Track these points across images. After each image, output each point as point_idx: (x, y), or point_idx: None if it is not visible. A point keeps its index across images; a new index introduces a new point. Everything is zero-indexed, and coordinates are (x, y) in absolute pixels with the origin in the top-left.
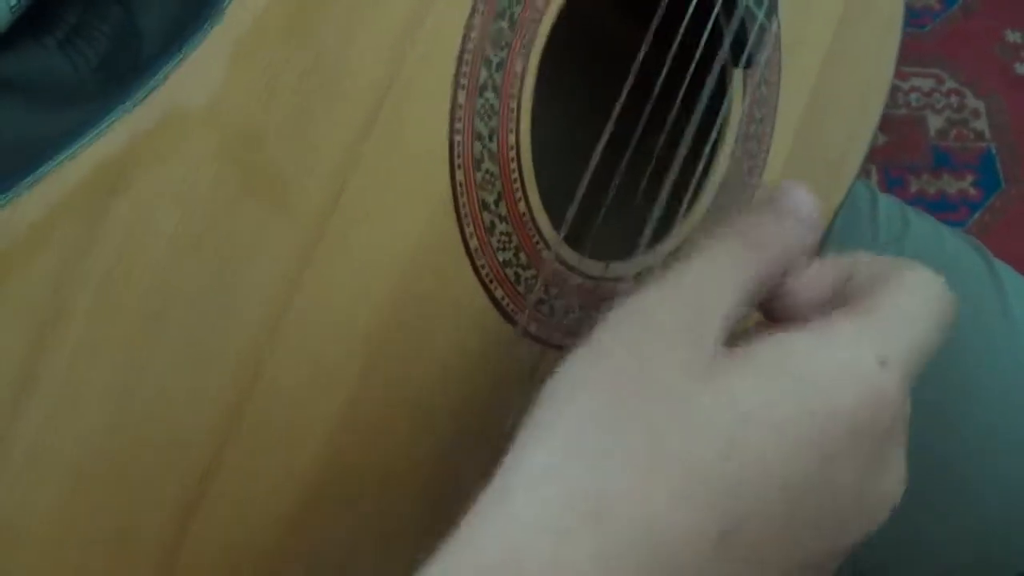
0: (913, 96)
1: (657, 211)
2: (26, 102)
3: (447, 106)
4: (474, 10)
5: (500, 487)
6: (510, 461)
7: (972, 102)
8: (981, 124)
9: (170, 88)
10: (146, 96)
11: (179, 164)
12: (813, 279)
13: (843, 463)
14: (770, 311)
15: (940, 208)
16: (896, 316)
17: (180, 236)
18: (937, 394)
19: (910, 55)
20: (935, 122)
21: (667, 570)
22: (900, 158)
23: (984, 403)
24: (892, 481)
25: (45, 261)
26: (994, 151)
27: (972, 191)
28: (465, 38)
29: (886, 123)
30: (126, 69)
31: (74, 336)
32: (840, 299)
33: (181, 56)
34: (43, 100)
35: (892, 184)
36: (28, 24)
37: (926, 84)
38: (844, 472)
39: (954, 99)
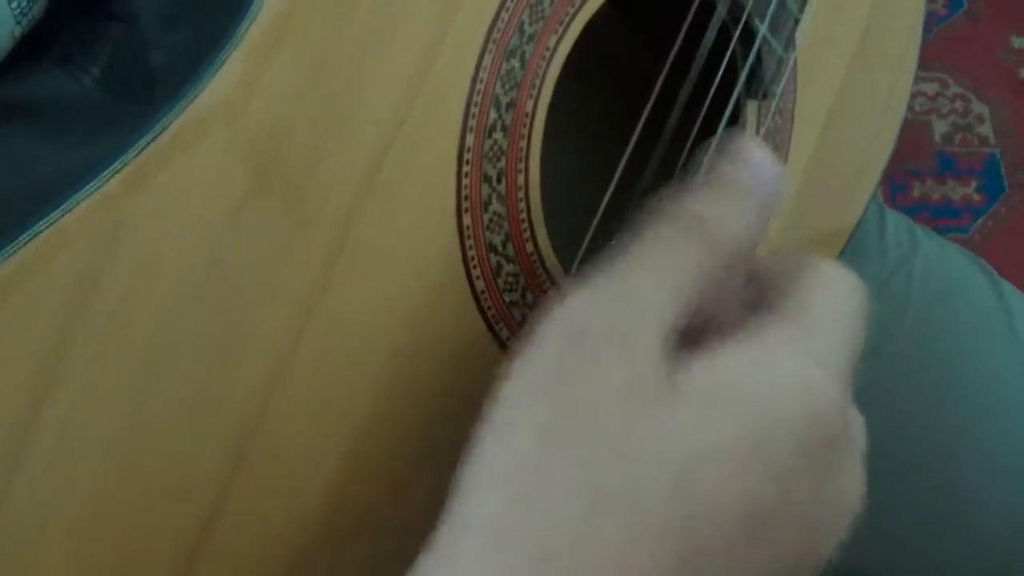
0: (918, 100)
1: None
2: (41, 129)
3: (455, 149)
4: (485, 50)
5: (443, 540)
6: (452, 510)
7: (977, 107)
8: (986, 129)
9: (182, 124)
10: (156, 135)
11: (188, 201)
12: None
13: (797, 478)
14: None
15: (944, 214)
16: (825, 317)
17: (186, 277)
18: (940, 417)
19: None
20: (940, 127)
21: None
22: (904, 163)
23: (988, 426)
24: (850, 484)
25: (50, 301)
26: (999, 156)
27: (976, 196)
28: (475, 79)
29: None
30: (134, 78)
31: (77, 381)
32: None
33: (193, 93)
34: (55, 124)
35: (896, 189)
36: (25, 48)
37: (931, 88)
38: (799, 486)
39: (959, 104)
